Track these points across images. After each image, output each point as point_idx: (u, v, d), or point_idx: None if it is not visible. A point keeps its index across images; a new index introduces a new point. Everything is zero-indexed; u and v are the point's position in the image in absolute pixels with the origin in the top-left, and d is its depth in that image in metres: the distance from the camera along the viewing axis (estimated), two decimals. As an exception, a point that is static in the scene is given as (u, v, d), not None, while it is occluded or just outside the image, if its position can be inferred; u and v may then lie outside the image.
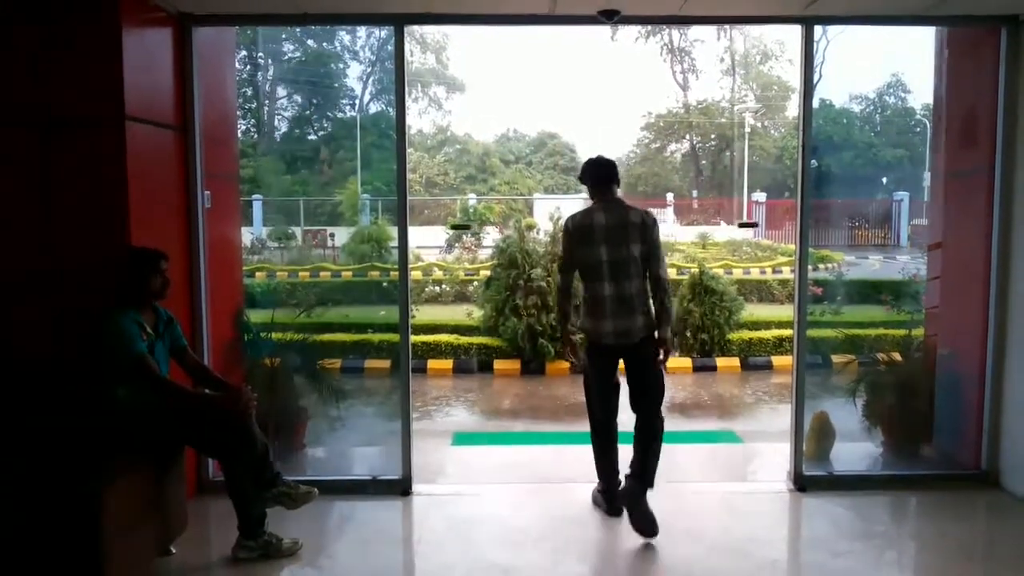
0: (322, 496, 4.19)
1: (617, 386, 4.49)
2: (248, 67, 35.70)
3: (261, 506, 3.95)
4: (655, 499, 4.29)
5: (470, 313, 11.21)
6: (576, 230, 4.37)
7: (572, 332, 4.52)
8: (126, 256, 3.82)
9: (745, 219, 5.08)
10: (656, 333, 4.30)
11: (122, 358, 3.63)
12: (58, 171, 3.98)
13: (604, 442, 4.52)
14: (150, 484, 3.70)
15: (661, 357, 4.31)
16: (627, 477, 4.37)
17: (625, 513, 4.35)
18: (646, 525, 4.19)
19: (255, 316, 5.68)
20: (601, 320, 4.29)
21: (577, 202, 28.03)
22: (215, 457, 4.42)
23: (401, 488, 4.80)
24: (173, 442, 3.88)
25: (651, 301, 4.34)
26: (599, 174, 4.45)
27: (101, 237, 3.99)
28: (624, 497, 4.37)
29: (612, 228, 4.28)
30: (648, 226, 4.29)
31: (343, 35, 37.75)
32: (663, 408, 4.40)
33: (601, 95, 58.37)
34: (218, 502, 4.15)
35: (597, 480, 4.63)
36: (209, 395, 3.94)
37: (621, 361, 4.43)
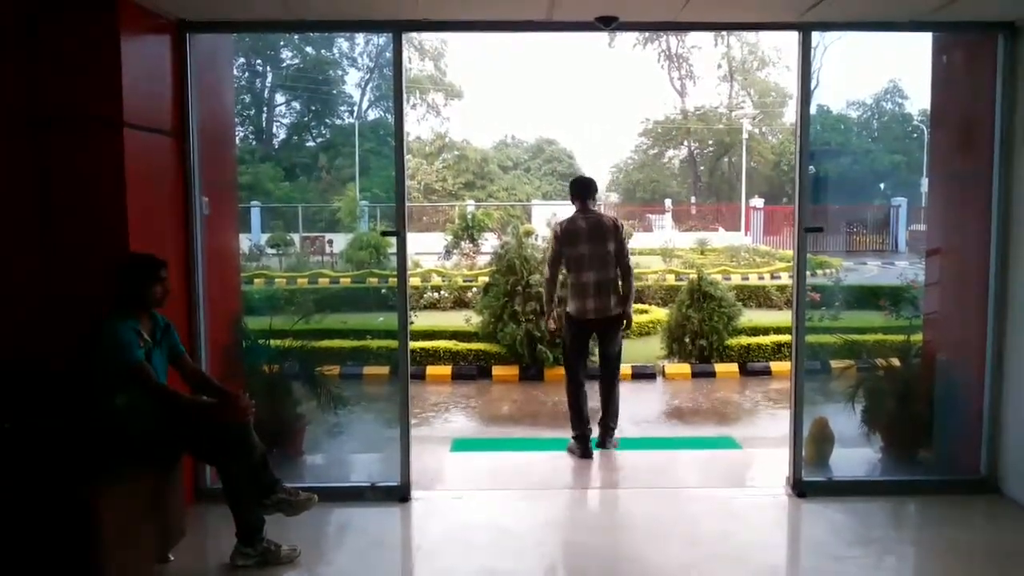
0: (321, 503, 4.17)
1: (587, 350, 5.88)
2: (246, 74, 35.82)
3: (259, 513, 3.94)
4: (655, 504, 4.68)
5: (468, 319, 11.20)
6: (564, 233, 5.64)
7: (553, 309, 5.85)
8: (126, 263, 3.82)
9: (810, 224, 5.20)
10: (623, 309, 5.64)
11: (120, 366, 3.63)
12: (56, 177, 3.98)
13: (578, 394, 5.71)
14: (148, 491, 3.69)
15: (625, 325, 5.73)
16: (599, 423, 5.79)
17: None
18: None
19: (253, 323, 5.67)
20: (585, 300, 5.57)
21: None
22: (213, 464, 4.40)
23: (400, 495, 4.79)
24: (171, 449, 3.87)
25: (620, 285, 5.64)
26: (580, 189, 5.77)
27: (99, 243, 3.99)
28: (599, 438, 5.75)
29: (592, 230, 5.59)
30: (617, 228, 5.68)
31: (341, 42, 37.85)
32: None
33: (599, 101, 58.62)
34: (216, 509, 4.13)
35: (572, 432, 5.75)
36: (207, 402, 3.92)
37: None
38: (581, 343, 5.76)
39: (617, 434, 5.88)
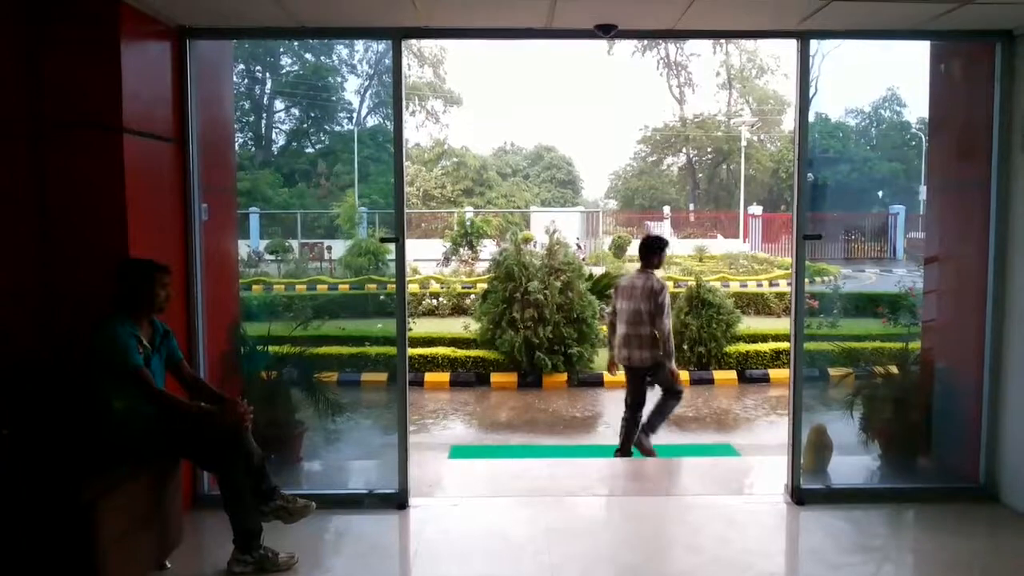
0: (318, 510, 4.16)
1: (633, 386, 6.49)
2: (246, 80, 35.91)
3: (257, 520, 3.93)
4: (654, 511, 4.75)
5: (467, 326, 11.20)
6: (616, 287, 6.61)
7: (614, 354, 6.60)
8: (126, 267, 3.82)
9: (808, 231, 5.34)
10: (658, 362, 6.32)
11: (118, 371, 3.62)
12: (56, 183, 3.98)
13: (628, 419, 6.52)
14: (146, 497, 3.68)
15: (673, 380, 6.44)
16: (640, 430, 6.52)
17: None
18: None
19: (252, 329, 5.67)
20: (619, 348, 6.47)
21: (574, 215, 28.16)
22: (211, 470, 4.40)
23: (398, 502, 4.78)
24: (169, 455, 3.86)
25: (655, 341, 6.27)
26: (640, 251, 6.56)
27: (99, 249, 3.99)
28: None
29: (631, 289, 6.40)
30: (656, 291, 6.29)
31: (341, 49, 38.00)
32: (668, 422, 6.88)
33: (598, 108, 58.87)
34: (214, 516, 4.12)
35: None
36: (205, 408, 3.90)
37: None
38: (628, 379, 6.56)
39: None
